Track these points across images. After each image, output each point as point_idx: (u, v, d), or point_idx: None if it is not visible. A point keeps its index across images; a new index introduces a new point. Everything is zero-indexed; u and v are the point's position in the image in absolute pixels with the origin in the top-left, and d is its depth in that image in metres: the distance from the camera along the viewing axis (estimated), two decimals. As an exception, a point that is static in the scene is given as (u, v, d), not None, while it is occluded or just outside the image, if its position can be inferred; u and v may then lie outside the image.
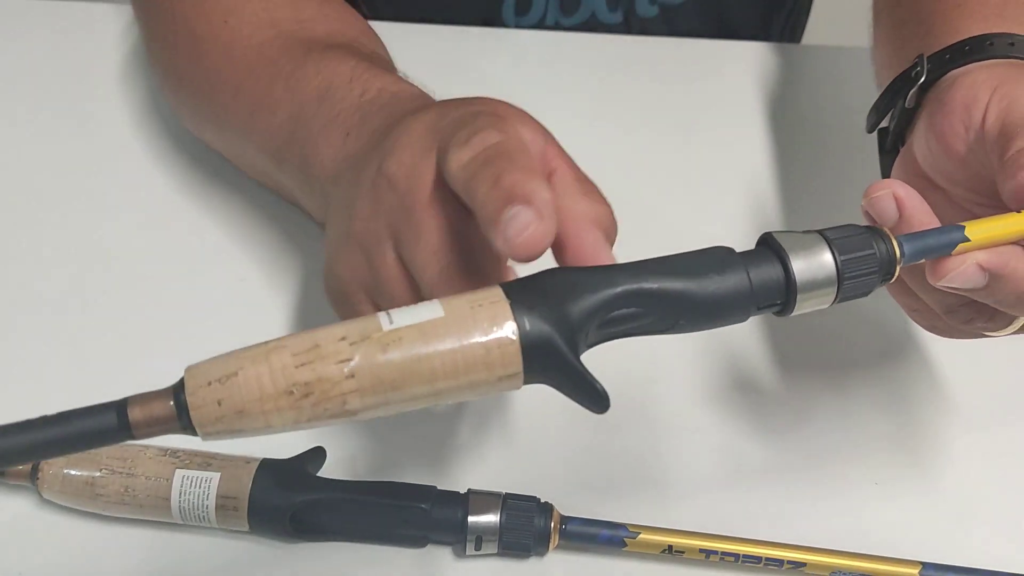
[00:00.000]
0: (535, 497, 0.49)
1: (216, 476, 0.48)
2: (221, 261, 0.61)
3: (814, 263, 0.36)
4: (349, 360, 0.32)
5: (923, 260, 0.39)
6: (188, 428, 0.32)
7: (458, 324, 0.33)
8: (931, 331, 0.48)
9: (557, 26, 0.79)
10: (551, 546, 0.49)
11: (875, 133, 0.53)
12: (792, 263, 0.36)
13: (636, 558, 0.50)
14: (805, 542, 0.49)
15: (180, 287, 0.60)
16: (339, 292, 0.46)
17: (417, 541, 0.50)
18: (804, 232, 0.37)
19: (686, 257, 0.37)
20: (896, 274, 0.38)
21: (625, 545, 0.49)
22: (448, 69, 0.71)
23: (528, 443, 0.54)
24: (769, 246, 0.37)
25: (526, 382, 0.34)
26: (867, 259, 0.37)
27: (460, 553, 0.50)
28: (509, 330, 0.34)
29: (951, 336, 0.48)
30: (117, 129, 0.68)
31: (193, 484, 0.48)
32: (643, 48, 0.76)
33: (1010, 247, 0.40)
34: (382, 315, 0.34)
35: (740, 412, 0.56)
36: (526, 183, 0.36)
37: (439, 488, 0.50)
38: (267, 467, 0.49)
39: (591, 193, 0.42)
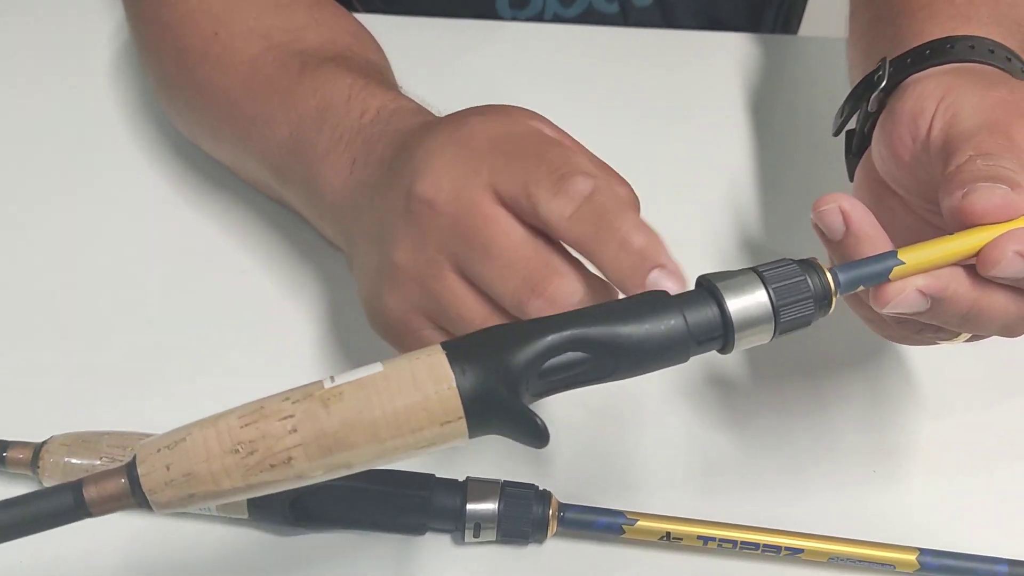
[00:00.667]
0: (533, 485, 0.50)
1: (216, 464, 0.48)
2: (219, 255, 0.61)
3: (749, 301, 0.37)
4: (291, 416, 0.33)
5: (861, 288, 0.39)
6: (143, 502, 0.33)
7: (397, 376, 0.34)
8: (889, 339, 0.48)
9: (556, 18, 0.79)
10: (549, 533, 0.50)
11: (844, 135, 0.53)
12: (727, 302, 0.37)
13: (634, 545, 0.50)
14: (803, 529, 0.49)
15: (176, 281, 0.60)
16: (393, 324, 0.46)
17: (416, 529, 0.50)
18: (739, 271, 0.38)
19: (621, 303, 0.38)
20: (833, 304, 0.39)
21: (623, 532, 0.49)
22: (442, 63, 0.71)
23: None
24: (704, 287, 0.38)
25: (472, 432, 0.35)
26: (801, 293, 0.37)
27: (459, 540, 0.50)
28: (446, 377, 0.34)
29: (908, 344, 0.48)
30: (111, 122, 0.68)
31: (193, 472, 0.48)
32: (636, 40, 0.76)
33: (949, 269, 0.39)
34: (326, 378, 0.35)
35: (738, 402, 0.56)
36: (655, 247, 0.40)
37: (438, 476, 0.50)
38: (266, 455, 0.49)
39: (613, 176, 0.44)
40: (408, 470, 0.50)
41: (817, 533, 0.49)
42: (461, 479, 0.50)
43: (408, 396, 0.34)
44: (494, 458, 0.53)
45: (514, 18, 0.78)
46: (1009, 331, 0.42)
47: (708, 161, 0.68)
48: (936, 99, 0.44)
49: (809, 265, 0.38)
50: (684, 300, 0.37)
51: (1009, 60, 0.47)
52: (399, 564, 0.49)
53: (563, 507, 0.50)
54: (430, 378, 0.34)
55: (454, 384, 0.34)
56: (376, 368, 0.35)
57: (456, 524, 0.49)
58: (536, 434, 0.36)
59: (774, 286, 0.37)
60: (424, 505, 0.49)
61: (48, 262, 0.60)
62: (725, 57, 0.74)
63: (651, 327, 0.36)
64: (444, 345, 0.35)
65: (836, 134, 0.53)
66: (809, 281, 0.38)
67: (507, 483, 0.50)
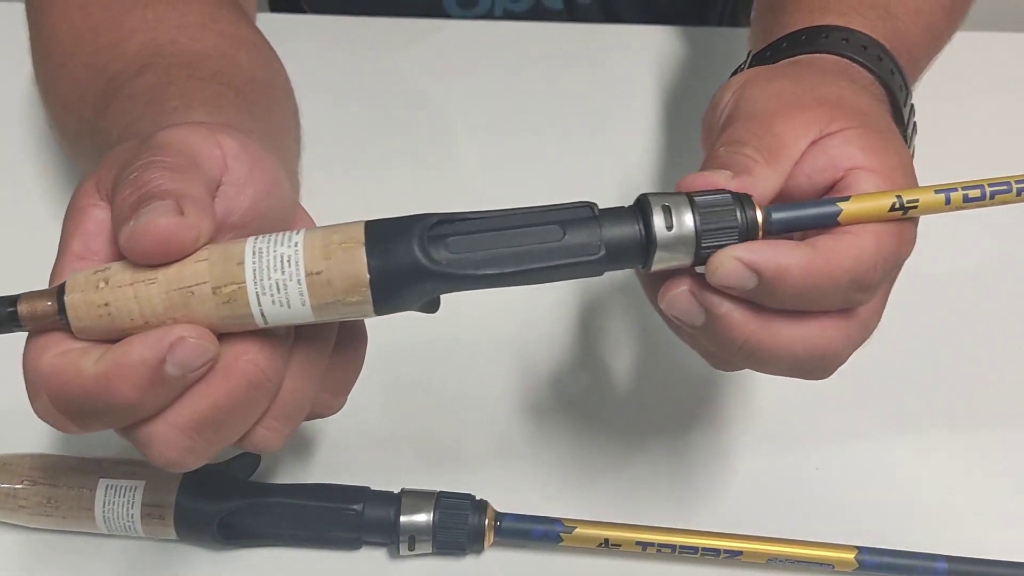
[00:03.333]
0: (470, 494, 0.49)
1: (141, 484, 0.47)
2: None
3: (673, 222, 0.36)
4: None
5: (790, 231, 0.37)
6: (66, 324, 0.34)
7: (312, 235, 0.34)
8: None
9: (506, 14, 0.78)
10: (486, 544, 0.49)
11: None
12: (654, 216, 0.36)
13: (573, 552, 0.49)
14: (744, 530, 0.49)
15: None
16: None
17: (351, 543, 0.49)
18: (673, 193, 0.37)
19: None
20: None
21: (561, 540, 0.48)
22: (383, 62, 0.70)
23: (464, 440, 0.53)
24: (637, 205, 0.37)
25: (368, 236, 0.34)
26: (727, 223, 0.36)
27: (394, 554, 0.49)
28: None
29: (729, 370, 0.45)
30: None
31: (117, 493, 0.47)
32: (580, 35, 0.75)
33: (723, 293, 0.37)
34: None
35: (681, 403, 0.55)
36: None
37: (373, 488, 0.49)
38: (193, 473, 0.48)
39: None
40: (342, 483, 0.49)
41: (757, 534, 0.49)
42: (397, 491, 0.49)
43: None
44: (432, 468, 0.52)
45: (463, 16, 0.77)
46: (804, 371, 0.39)
47: (654, 156, 0.67)
48: (732, 89, 0.43)
49: (742, 199, 0.37)
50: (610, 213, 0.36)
51: (880, 60, 0.45)
52: (331, 581, 0.49)
53: (499, 516, 0.49)
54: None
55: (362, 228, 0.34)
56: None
57: (391, 537, 0.48)
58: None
59: (702, 211, 0.36)
60: (357, 519, 0.48)
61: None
62: (670, 51, 0.73)
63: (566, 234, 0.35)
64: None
65: None
66: (738, 214, 0.36)
67: (443, 493, 0.49)
